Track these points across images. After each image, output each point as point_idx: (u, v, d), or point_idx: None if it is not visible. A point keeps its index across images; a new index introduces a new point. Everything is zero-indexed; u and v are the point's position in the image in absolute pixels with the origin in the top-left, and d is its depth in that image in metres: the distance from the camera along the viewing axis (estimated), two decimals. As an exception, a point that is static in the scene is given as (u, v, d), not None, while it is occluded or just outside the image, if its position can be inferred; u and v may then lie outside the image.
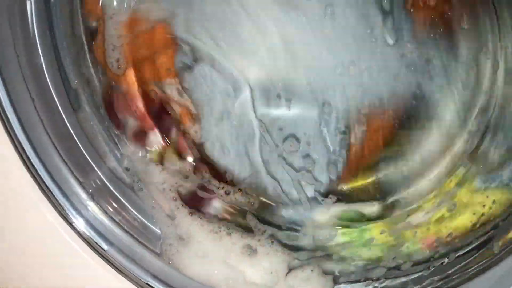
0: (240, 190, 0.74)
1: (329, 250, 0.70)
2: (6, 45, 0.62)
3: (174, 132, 0.74)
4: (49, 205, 0.66)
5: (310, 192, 0.73)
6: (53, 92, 0.67)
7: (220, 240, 0.69)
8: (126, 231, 0.68)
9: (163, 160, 0.73)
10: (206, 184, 0.74)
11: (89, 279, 0.67)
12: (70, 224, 0.66)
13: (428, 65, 0.66)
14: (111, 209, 0.69)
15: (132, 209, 0.71)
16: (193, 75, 0.71)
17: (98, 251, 0.66)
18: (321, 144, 0.71)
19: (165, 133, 0.74)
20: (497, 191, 0.61)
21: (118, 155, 0.72)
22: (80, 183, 0.68)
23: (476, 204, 0.63)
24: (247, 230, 0.71)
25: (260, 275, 0.67)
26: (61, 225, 0.66)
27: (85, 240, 0.66)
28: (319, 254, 0.70)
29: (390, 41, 0.66)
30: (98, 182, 0.70)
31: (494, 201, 0.61)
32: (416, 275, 0.64)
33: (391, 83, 0.67)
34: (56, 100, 0.68)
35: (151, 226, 0.70)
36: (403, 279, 0.64)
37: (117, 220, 0.69)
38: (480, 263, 0.58)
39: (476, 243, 0.61)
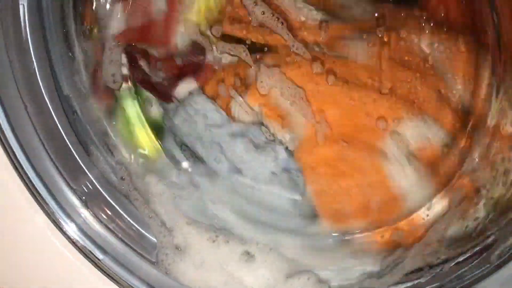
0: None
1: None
2: (-2, 50, 0.61)
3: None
4: (41, 212, 0.65)
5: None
6: (46, 97, 0.67)
7: (218, 248, 0.69)
8: (121, 240, 0.67)
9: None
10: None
11: (84, 289, 0.66)
12: (62, 231, 0.65)
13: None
14: (105, 217, 0.68)
15: (127, 217, 0.70)
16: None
17: (92, 260, 0.65)
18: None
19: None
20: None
21: (113, 162, 0.71)
22: (74, 190, 0.67)
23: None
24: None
25: (258, 283, 0.67)
26: (53, 233, 0.65)
27: (79, 248, 0.65)
28: None
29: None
30: (92, 189, 0.69)
31: None
32: (412, 284, 0.65)
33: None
34: (49, 106, 0.67)
35: (146, 234, 0.70)
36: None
37: (111, 228, 0.68)
38: (477, 272, 0.58)
39: (473, 252, 0.61)
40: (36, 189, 0.64)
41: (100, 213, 0.69)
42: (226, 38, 0.68)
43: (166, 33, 0.70)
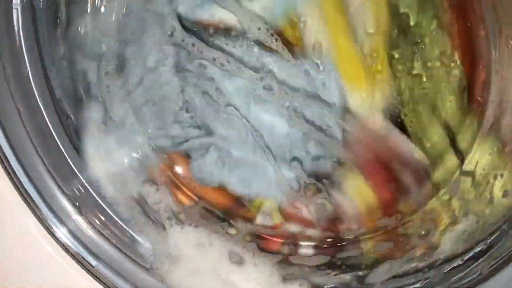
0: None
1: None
2: (-9, 55, 0.61)
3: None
4: (33, 217, 0.64)
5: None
6: (39, 102, 0.66)
7: (206, 251, 0.69)
8: (115, 246, 0.67)
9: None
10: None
11: (76, 296, 0.65)
12: (55, 237, 0.64)
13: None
14: (98, 222, 0.68)
15: (120, 223, 0.69)
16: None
17: (86, 267, 0.64)
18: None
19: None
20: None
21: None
22: (67, 196, 0.66)
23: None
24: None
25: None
26: (45, 238, 0.64)
27: (72, 254, 0.65)
28: None
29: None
30: (84, 193, 0.68)
31: None
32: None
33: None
34: (43, 110, 0.66)
35: (140, 240, 0.69)
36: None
37: (105, 234, 0.67)
38: (467, 280, 0.59)
39: (464, 259, 0.62)
40: (28, 194, 0.64)
41: (94, 218, 0.68)
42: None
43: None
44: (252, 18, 0.67)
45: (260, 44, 0.68)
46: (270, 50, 0.68)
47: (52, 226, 0.64)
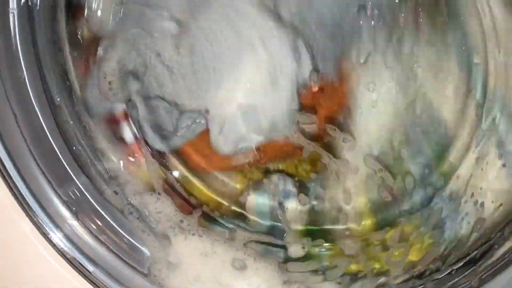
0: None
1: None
2: (-13, 59, 0.61)
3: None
4: (29, 223, 0.64)
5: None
6: (35, 106, 0.66)
7: (209, 259, 0.68)
8: (112, 251, 0.66)
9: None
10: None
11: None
12: (52, 242, 0.64)
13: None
14: (95, 228, 0.67)
15: (118, 228, 0.69)
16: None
17: (83, 273, 0.64)
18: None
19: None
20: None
21: (104, 175, 0.71)
22: (63, 201, 0.66)
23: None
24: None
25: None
26: (42, 244, 0.64)
27: (69, 260, 0.64)
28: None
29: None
30: (80, 197, 0.68)
31: None
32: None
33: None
34: (39, 115, 0.66)
35: (138, 245, 0.69)
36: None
37: (102, 239, 0.67)
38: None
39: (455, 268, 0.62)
40: (24, 198, 0.63)
41: (90, 223, 0.67)
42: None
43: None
44: None
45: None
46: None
47: (48, 231, 0.64)
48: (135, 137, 0.74)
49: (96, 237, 0.66)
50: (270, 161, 0.74)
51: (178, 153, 0.76)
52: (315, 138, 0.71)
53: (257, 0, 0.67)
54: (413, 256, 0.66)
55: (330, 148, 0.71)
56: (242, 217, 0.76)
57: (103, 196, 0.69)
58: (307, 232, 0.74)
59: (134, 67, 0.71)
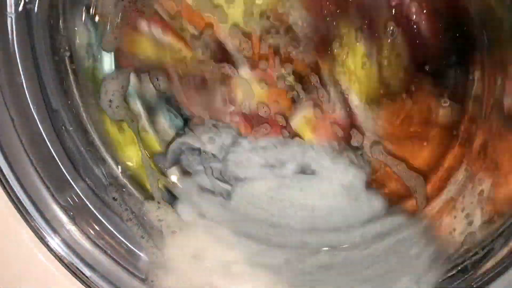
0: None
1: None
2: (-16, 64, 0.61)
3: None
4: (27, 228, 0.64)
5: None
6: (33, 111, 0.65)
7: (201, 263, 0.68)
8: (109, 256, 0.66)
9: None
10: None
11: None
12: (49, 247, 0.64)
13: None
14: (93, 233, 0.67)
15: (115, 233, 0.69)
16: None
17: (80, 278, 0.64)
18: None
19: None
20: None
21: (103, 179, 0.71)
22: (61, 206, 0.66)
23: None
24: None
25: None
26: (39, 249, 0.64)
27: (66, 265, 0.64)
28: None
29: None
30: (78, 202, 0.68)
31: None
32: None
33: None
34: (37, 119, 0.66)
35: (136, 250, 0.69)
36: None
37: (100, 244, 0.67)
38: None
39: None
40: (22, 203, 0.63)
41: (88, 228, 0.67)
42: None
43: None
44: None
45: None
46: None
47: (46, 236, 0.64)
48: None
49: (94, 242, 0.66)
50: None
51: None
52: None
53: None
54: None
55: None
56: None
57: (101, 201, 0.69)
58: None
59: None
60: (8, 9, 0.62)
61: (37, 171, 0.65)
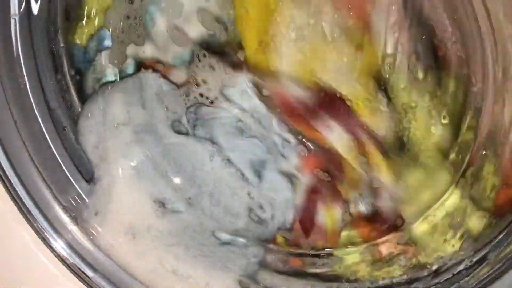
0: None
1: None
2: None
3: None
4: (29, 228, 0.64)
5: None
6: (36, 112, 0.66)
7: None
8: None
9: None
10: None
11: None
12: (51, 248, 0.64)
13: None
14: (95, 233, 0.68)
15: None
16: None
17: (82, 278, 0.64)
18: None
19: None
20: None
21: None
22: (63, 207, 0.66)
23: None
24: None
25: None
26: (41, 250, 0.64)
27: (68, 266, 0.64)
28: None
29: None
30: (81, 204, 0.68)
31: None
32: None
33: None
34: (39, 121, 0.66)
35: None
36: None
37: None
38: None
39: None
40: (24, 204, 0.63)
41: (91, 229, 0.67)
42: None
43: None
44: None
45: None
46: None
47: (48, 237, 0.64)
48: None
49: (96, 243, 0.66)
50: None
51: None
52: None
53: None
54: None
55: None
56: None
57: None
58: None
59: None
60: (12, 11, 0.62)
61: (39, 171, 0.65)
